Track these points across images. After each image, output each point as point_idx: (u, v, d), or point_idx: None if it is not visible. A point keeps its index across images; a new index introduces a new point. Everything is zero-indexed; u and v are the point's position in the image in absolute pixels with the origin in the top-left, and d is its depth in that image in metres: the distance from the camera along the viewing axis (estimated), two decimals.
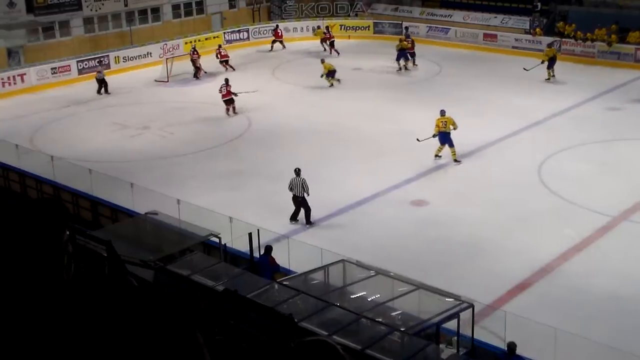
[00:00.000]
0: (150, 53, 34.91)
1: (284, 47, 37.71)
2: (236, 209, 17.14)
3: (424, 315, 11.73)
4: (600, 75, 30.19)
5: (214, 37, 37.92)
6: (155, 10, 37.97)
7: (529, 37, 35.46)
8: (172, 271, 12.50)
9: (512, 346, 11.52)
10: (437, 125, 21.71)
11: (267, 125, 25.71)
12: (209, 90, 30.51)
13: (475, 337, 12.18)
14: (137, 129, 25.76)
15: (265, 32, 39.09)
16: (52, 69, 31.75)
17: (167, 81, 31.85)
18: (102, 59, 32.59)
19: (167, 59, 32.89)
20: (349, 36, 40.11)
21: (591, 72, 30.93)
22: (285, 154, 22.69)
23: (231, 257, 15.17)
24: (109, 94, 30.13)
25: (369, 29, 40.42)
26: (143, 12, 37.45)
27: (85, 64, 32.90)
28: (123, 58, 34.14)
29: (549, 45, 31.96)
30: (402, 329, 11.15)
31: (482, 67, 33.14)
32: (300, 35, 39.56)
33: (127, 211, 17.64)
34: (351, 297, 12.54)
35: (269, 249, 15.07)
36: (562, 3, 36.62)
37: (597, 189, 19.70)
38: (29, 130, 25.87)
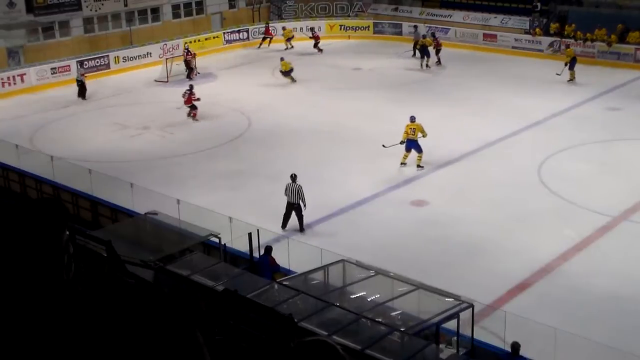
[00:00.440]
0: (150, 53, 34.91)
1: (268, 44, 37.96)
2: (236, 209, 17.14)
3: (423, 315, 11.73)
4: (600, 76, 30.19)
5: (214, 37, 37.95)
6: (155, 11, 37.96)
7: (529, 37, 35.48)
8: (172, 271, 12.50)
9: (515, 346, 11.51)
10: (406, 132, 21.19)
11: (267, 125, 25.71)
12: (208, 91, 30.52)
13: (475, 337, 12.18)
14: (137, 129, 25.76)
15: (262, 32, 39.13)
16: (51, 69, 31.75)
17: (167, 81, 31.84)
18: (83, 62, 32.19)
19: (166, 59, 32.89)
20: (349, 36, 40.13)
21: (591, 72, 30.93)
22: (285, 154, 22.70)
23: (231, 257, 15.17)
24: (85, 99, 29.52)
25: (368, 29, 40.43)
26: (143, 12, 37.45)
27: (85, 64, 32.90)
28: (123, 58, 34.15)
29: (567, 46, 31.77)
30: (402, 329, 11.15)
31: (482, 67, 33.15)
32: (300, 36, 39.55)
33: (127, 211, 17.63)
34: (351, 297, 12.54)
35: (268, 249, 15.07)
36: (562, 3, 36.63)
37: (597, 189, 19.70)
38: (29, 130, 25.87)
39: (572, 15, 35.75)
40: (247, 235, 15.21)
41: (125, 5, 36.43)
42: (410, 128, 21.16)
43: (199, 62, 33.40)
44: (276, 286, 12.47)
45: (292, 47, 37.30)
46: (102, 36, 35.75)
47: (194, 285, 11.89)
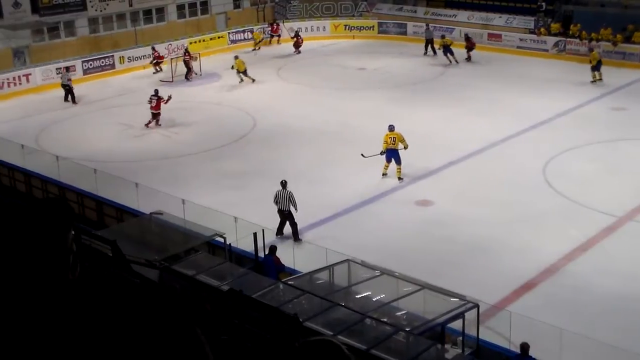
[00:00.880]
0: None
1: (278, 42, 38.28)
2: (241, 209, 17.14)
3: (429, 315, 11.72)
4: (605, 75, 30.09)
5: (219, 37, 37.98)
6: (160, 11, 38.00)
7: (534, 37, 35.42)
8: (178, 271, 12.52)
9: (525, 347, 11.48)
10: (385, 142, 20.58)
11: (272, 125, 25.72)
12: (213, 91, 30.57)
13: (480, 337, 12.17)
14: (142, 129, 25.78)
15: (269, 32, 39.12)
16: (57, 69, 31.79)
17: (172, 81, 31.86)
18: (69, 67, 31.53)
19: (171, 59, 32.94)
20: (354, 36, 40.13)
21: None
22: (289, 154, 22.71)
23: (236, 257, 15.18)
24: (76, 103, 29.08)
25: (373, 29, 40.41)
26: (148, 13, 37.49)
27: (90, 64, 32.98)
28: (128, 58, 34.19)
29: (591, 50, 31.57)
30: (407, 329, 11.15)
31: (487, 67, 33.12)
32: (305, 35, 39.56)
33: (132, 211, 17.65)
34: (356, 297, 12.54)
35: (273, 248, 15.08)
36: (567, 3, 36.57)
37: (602, 189, 19.66)
38: (35, 130, 25.92)
39: (577, 14, 35.68)
40: (252, 235, 15.22)
41: (130, 5, 36.47)
42: (390, 137, 20.52)
43: (204, 62, 33.40)
44: (281, 286, 12.48)
45: (259, 49, 37.55)
46: (107, 36, 35.80)
47: (199, 285, 11.90)
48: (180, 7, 38.61)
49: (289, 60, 35.54)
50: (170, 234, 15.17)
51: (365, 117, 26.14)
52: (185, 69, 32.45)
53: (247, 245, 15.51)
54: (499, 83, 30.30)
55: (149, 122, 25.63)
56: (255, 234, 15.24)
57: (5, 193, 19.79)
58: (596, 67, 29.83)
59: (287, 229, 17.37)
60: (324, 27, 40.48)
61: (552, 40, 34.71)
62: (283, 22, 39.57)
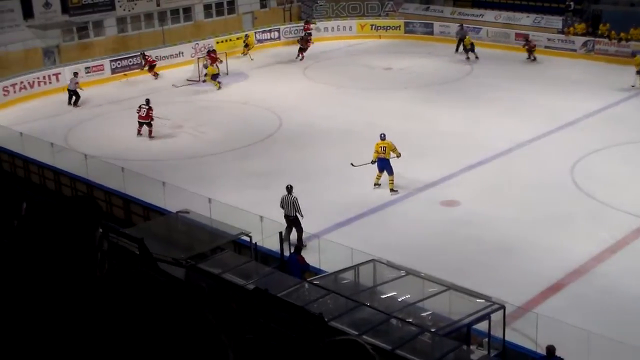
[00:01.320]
0: (182, 52, 35.16)
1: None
2: (266, 208, 17.18)
3: (454, 316, 11.66)
4: (634, 75, 29.70)
5: (245, 37, 38.08)
6: (187, 10, 38.22)
7: (562, 36, 35.08)
8: (203, 269, 12.59)
9: (551, 349, 11.38)
10: (376, 151, 19.99)
11: (298, 124, 25.76)
12: (239, 90, 30.67)
13: (506, 338, 12.08)
14: (169, 128, 25.94)
15: (296, 31, 39.14)
16: (85, 68, 32.11)
17: (199, 80, 32.04)
18: (76, 72, 30.89)
19: (198, 58, 33.10)
20: (380, 36, 40.05)
21: (626, 72, 30.44)
22: (316, 153, 22.72)
23: (261, 255, 15.22)
24: (78, 106, 28.90)
25: (399, 29, 40.29)
26: (175, 12, 37.72)
27: (119, 64, 33.25)
28: (155, 57, 34.40)
29: (633, 55, 31.09)
30: (433, 330, 11.11)
31: (514, 67, 32.88)
32: (332, 35, 39.59)
33: (159, 209, 17.77)
34: (381, 297, 12.52)
35: (298, 248, 15.09)
36: (596, 2, 36.18)
37: (631, 190, 19.43)
38: (64, 128, 26.19)
39: (606, 14, 35.28)
40: (278, 234, 15.26)
41: (158, 5, 36.73)
42: (381, 146, 19.96)
43: (230, 62, 33.51)
44: (306, 285, 12.49)
45: (246, 54, 36.18)
46: (134, 36, 36.08)
47: (224, 283, 11.96)
48: (207, 7, 38.79)
49: (314, 60, 35.53)
50: (197, 232, 15.25)
51: (391, 117, 26.07)
52: (216, 69, 32.58)
53: (272, 244, 15.55)
54: (526, 83, 30.05)
55: (139, 130, 24.80)
56: (280, 233, 15.29)
57: (35, 191, 20.01)
58: None
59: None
60: (351, 27, 40.43)
61: (580, 40, 34.36)
62: (313, 22, 39.34)
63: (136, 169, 20.30)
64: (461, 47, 35.19)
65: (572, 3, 36.33)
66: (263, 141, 24.48)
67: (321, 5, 41.56)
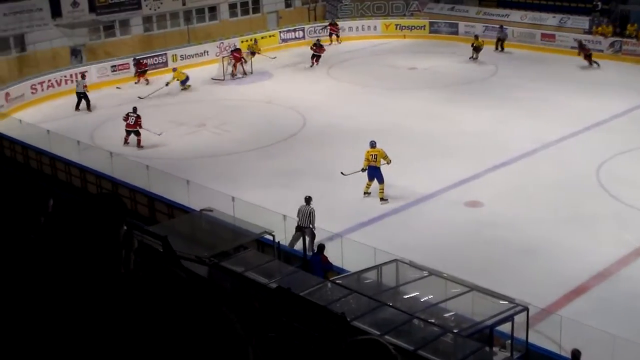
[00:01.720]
0: (207, 51, 35.33)
1: (337, 42, 37.79)
2: (290, 207, 17.21)
3: (477, 318, 11.61)
4: None
5: (270, 36, 38.17)
6: (213, 9, 38.42)
7: (589, 37, 34.73)
8: (226, 268, 12.64)
9: (576, 354, 11.27)
10: (367, 159, 19.37)
11: (322, 124, 25.77)
12: (264, 89, 30.75)
13: (529, 341, 12.00)
14: (194, 126, 26.09)
15: (321, 31, 39.17)
16: (112, 66, 32.37)
17: (224, 79, 32.19)
18: (84, 73, 30.20)
19: (223, 57, 33.24)
20: (405, 35, 39.94)
21: None
22: (339, 153, 22.70)
23: (284, 254, 15.25)
24: (90, 111, 28.14)
25: (424, 29, 40.15)
26: (200, 11, 37.94)
27: (144, 62, 33.44)
28: (180, 56, 34.61)
29: None
30: (455, 331, 11.06)
31: (539, 68, 32.63)
32: (356, 35, 39.55)
33: (183, 207, 17.87)
34: (404, 297, 12.49)
35: (321, 247, 15.10)
36: (624, 2, 35.80)
37: None
38: (90, 126, 26.42)
39: (634, 14, 34.89)
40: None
41: (184, 4, 36.95)
42: (371, 154, 19.37)
43: (255, 61, 33.60)
44: (329, 285, 12.50)
45: (247, 60, 33.77)
46: (160, 35, 36.32)
47: (247, 282, 12.00)
48: (232, 6, 38.96)
49: (339, 59, 35.51)
50: (220, 230, 15.31)
51: (415, 117, 26.02)
52: (241, 67, 32.74)
53: (295, 244, 15.57)
54: (551, 84, 29.82)
55: (126, 139, 23.99)
56: (304, 232, 15.29)
57: (61, 188, 20.21)
58: None
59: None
60: (375, 27, 40.37)
61: (607, 40, 34.01)
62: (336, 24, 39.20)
63: (161, 167, 20.44)
64: (500, 47, 35.28)
65: (599, 3, 35.97)
66: (286, 140, 24.53)
67: (346, 4, 41.55)
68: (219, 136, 25.25)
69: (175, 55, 34.51)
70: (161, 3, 36.05)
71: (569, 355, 11.50)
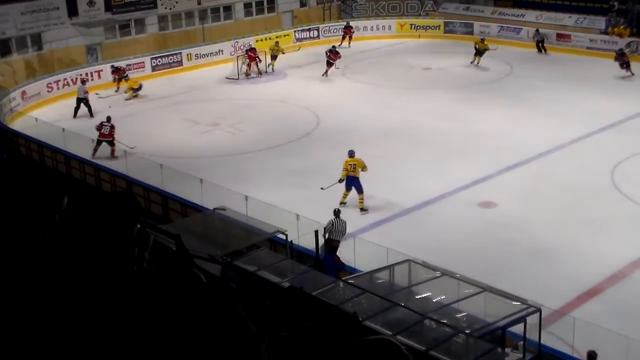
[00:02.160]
0: (222, 51, 35.42)
1: (347, 45, 37.67)
2: (303, 207, 17.22)
3: (489, 318, 11.58)
4: None
5: (285, 36, 38.20)
6: (228, 9, 38.50)
7: (605, 37, 34.54)
8: (239, 266, 12.67)
9: (592, 355, 11.22)
10: (346, 169, 18.71)
11: (336, 123, 25.77)
12: (278, 89, 30.80)
13: (542, 342, 11.96)
14: (208, 125, 26.16)
15: (336, 30, 39.16)
16: (127, 65, 32.50)
17: (238, 78, 32.26)
18: (84, 79, 29.43)
19: (237, 56, 33.31)
20: (419, 35, 39.87)
21: None
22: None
23: (297, 254, 15.26)
24: (92, 117, 26.55)
25: (439, 29, 40.07)
26: (215, 11, 38.03)
27: (159, 61, 33.61)
28: (195, 55, 34.72)
29: None
30: (467, 331, 11.04)
31: (555, 68, 32.50)
32: (371, 35, 39.51)
33: (196, 206, 17.92)
34: (416, 297, 12.47)
35: (334, 247, 15.09)
36: None
37: None
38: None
39: None
40: (314, 233, 15.28)
41: (199, 3, 37.07)
42: (350, 164, 18.71)
43: (269, 61, 33.65)
44: (341, 284, 12.50)
45: (271, 68, 33.42)
46: (175, 34, 36.45)
47: (260, 281, 12.02)
48: (247, 5, 39.03)
49: (353, 59, 35.48)
50: (233, 229, 15.34)
51: (430, 117, 25.98)
52: (255, 67, 32.79)
53: (308, 243, 15.58)
54: (566, 84, 29.69)
55: (96, 149, 22.87)
56: (316, 232, 15.30)
57: (76, 186, 20.33)
58: None
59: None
60: (390, 26, 40.33)
61: (623, 40, 33.79)
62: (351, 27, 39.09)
63: (174, 166, 20.50)
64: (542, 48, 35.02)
65: (616, 3, 35.75)
66: (300, 140, 24.55)
67: (361, 4, 41.52)
68: (233, 135, 25.30)
69: (190, 54, 34.62)
70: (176, 2, 36.16)
71: (581, 357, 11.46)
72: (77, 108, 27.31)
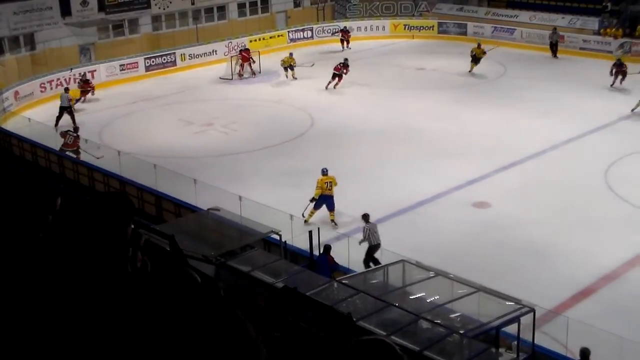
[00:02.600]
0: (216, 51, 35.39)
1: (347, 47, 37.55)
2: (297, 207, 17.23)
3: (483, 319, 11.59)
4: None
5: (279, 36, 38.21)
6: (221, 9, 38.48)
7: (598, 38, 34.62)
8: (233, 267, 12.65)
9: (585, 352, 11.24)
10: (321, 187, 17.98)
11: (330, 124, 25.77)
12: (272, 89, 30.79)
13: (536, 342, 11.97)
14: (201, 125, 26.13)
15: (329, 31, 39.16)
16: (120, 65, 32.46)
17: (232, 79, 32.24)
18: (68, 87, 28.00)
19: (231, 57, 33.30)
20: (413, 36, 39.91)
21: None
22: (347, 153, 22.71)
23: (291, 254, 15.25)
24: (78, 127, 24.12)
25: (433, 29, 40.12)
26: (209, 11, 38.00)
27: (153, 61, 33.57)
28: (189, 55, 34.69)
29: None
30: (461, 332, 11.05)
31: (548, 69, 32.57)
32: (364, 35, 39.53)
33: (190, 206, 17.89)
34: (410, 297, 12.48)
35: (328, 248, 15.10)
36: (634, 3, 35.67)
37: None
38: (98, 125, 26.47)
39: None
40: (308, 233, 15.28)
41: (193, 3, 37.02)
42: (326, 182, 18.05)
43: (263, 61, 33.62)
44: (335, 285, 12.50)
45: (294, 77, 32.24)
46: (169, 34, 36.40)
47: (254, 281, 12.01)
48: (241, 6, 39.01)
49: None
50: (227, 230, 15.32)
51: (423, 117, 26.00)
52: (249, 67, 32.77)
53: (302, 243, 15.57)
54: (560, 85, 29.76)
55: (65, 150, 22.26)
56: (310, 232, 15.28)
57: (69, 186, 20.27)
58: None
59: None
60: (384, 27, 40.37)
61: (617, 41, 33.89)
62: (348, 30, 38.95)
63: (168, 166, 20.47)
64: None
65: (609, 4, 35.86)
66: (295, 140, 24.54)
67: (354, 4, 41.53)
68: (227, 135, 25.28)
69: (184, 54, 34.60)
70: (170, 2, 36.12)
71: (575, 357, 11.47)
72: (59, 117, 25.85)
